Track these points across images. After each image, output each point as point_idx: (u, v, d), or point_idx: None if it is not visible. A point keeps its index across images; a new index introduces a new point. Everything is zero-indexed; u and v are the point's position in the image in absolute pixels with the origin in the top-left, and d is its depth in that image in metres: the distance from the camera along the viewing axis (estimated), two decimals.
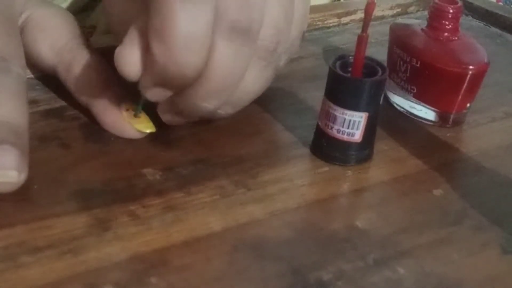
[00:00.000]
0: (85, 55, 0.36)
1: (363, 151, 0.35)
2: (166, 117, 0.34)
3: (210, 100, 0.32)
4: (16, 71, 0.33)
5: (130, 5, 0.32)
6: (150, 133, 0.34)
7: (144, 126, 0.34)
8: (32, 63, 0.37)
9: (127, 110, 0.34)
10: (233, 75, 0.31)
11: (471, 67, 0.38)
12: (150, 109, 0.35)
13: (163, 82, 0.30)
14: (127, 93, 0.35)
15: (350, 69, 0.34)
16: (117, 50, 0.30)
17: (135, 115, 0.34)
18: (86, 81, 0.35)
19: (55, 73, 0.36)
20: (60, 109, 0.37)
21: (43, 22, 0.37)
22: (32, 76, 0.39)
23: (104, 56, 0.37)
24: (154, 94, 0.31)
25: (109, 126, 0.35)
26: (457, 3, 0.39)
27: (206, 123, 0.37)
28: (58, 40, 0.36)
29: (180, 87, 0.31)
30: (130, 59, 0.30)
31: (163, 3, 0.28)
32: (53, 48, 0.36)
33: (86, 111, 0.36)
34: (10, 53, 0.34)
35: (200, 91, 0.31)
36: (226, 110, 0.34)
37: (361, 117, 0.33)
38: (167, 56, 0.29)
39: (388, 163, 0.36)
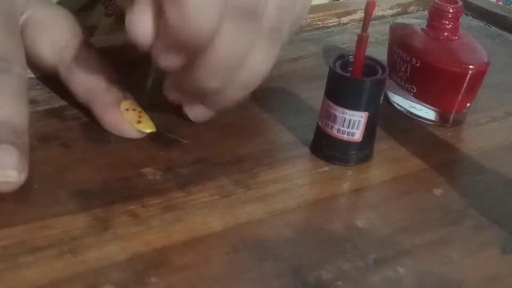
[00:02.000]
0: (86, 55, 0.36)
1: (363, 150, 0.35)
2: (172, 96, 0.34)
3: (214, 77, 0.32)
4: (17, 71, 0.33)
5: None
6: (151, 133, 0.34)
7: (144, 126, 0.34)
8: (33, 63, 0.37)
9: (127, 110, 0.34)
10: (236, 54, 0.31)
11: (471, 66, 0.38)
12: (151, 110, 0.35)
13: (176, 46, 0.30)
14: (128, 93, 0.35)
15: (350, 68, 0.34)
16: (128, 17, 0.30)
17: (147, 87, 0.34)
18: (87, 81, 0.35)
19: (56, 73, 0.36)
20: (60, 109, 0.37)
21: (43, 22, 0.37)
22: (32, 76, 0.39)
23: (104, 56, 0.37)
24: (166, 59, 0.31)
25: (109, 126, 0.35)
26: (457, 2, 0.39)
27: (205, 123, 0.37)
28: (59, 40, 0.36)
29: (193, 52, 0.30)
30: (142, 25, 0.30)
31: None
32: (54, 48, 0.36)
33: (86, 111, 0.36)
34: (11, 53, 0.33)
35: (205, 67, 0.31)
36: (238, 93, 0.34)
37: (361, 117, 0.33)
38: (180, 19, 0.28)
39: (388, 163, 0.36)
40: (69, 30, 0.37)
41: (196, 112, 0.36)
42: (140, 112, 0.35)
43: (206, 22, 0.29)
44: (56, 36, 0.36)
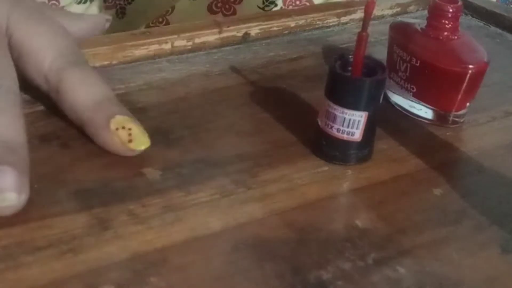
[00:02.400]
0: (71, 75, 0.34)
1: (363, 150, 0.35)
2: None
3: None
4: (6, 85, 0.32)
5: None
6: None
7: (136, 144, 0.33)
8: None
9: (117, 129, 0.33)
10: None
11: (470, 66, 0.38)
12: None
13: None
14: (119, 110, 0.34)
15: (350, 68, 0.34)
16: None
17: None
18: (74, 104, 0.34)
19: (50, 97, 0.35)
20: (60, 109, 0.37)
21: (25, 44, 0.35)
22: None
23: (107, 56, 0.37)
24: None
25: (103, 147, 0.33)
26: (457, 2, 0.39)
27: (205, 123, 0.37)
28: (41, 63, 0.35)
29: None
30: None
31: None
32: (39, 73, 0.35)
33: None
34: None
35: None
36: None
37: (361, 117, 0.33)
38: None
39: (388, 163, 0.36)
40: (51, 49, 0.35)
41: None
42: (130, 129, 0.33)
43: None
44: (38, 59, 0.35)
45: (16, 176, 0.28)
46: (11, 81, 0.33)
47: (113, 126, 0.33)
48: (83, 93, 0.34)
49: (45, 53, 0.35)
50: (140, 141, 0.33)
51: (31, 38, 0.35)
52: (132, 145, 0.33)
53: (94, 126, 0.33)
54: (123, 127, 0.33)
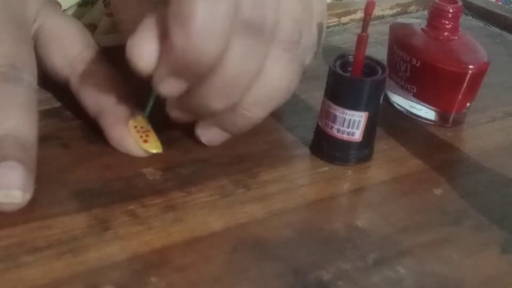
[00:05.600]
0: (97, 66, 0.35)
1: (363, 150, 0.35)
2: (174, 114, 0.33)
3: (219, 98, 0.30)
4: (28, 79, 0.32)
5: (143, 8, 0.32)
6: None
7: (150, 146, 0.33)
8: (45, 74, 0.36)
9: (135, 127, 0.33)
10: (246, 72, 0.30)
11: (471, 66, 0.38)
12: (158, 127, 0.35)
13: (179, 71, 0.29)
14: (138, 110, 0.34)
15: (350, 68, 0.34)
16: (130, 41, 0.29)
17: (145, 114, 0.33)
18: (97, 93, 0.34)
19: (68, 84, 0.36)
20: (60, 109, 0.37)
21: (55, 32, 0.36)
22: None
23: (108, 55, 0.37)
24: (167, 86, 0.29)
25: (115, 142, 0.34)
26: (457, 2, 0.39)
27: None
28: (71, 50, 0.36)
29: (196, 77, 0.29)
30: (144, 49, 0.29)
31: None
32: (66, 58, 0.35)
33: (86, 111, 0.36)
34: (22, 60, 0.33)
35: (210, 88, 0.30)
36: (255, 112, 0.32)
37: (361, 117, 0.33)
38: (185, 41, 0.27)
39: (388, 163, 0.36)
40: (80, 40, 0.36)
41: (209, 135, 0.34)
42: (148, 131, 0.34)
43: (213, 43, 0.28)
44: (67, 47, 0.36)
45: (24, 174, 0.28)
46: (32, 77, 0.33)
47: (132, 123, 0.33)
48: (108, 86, 0.35)
49: (75, 40, 0.36)
50: (155, 144, 0.34)
51: (62, 26, 0.36)
52: (146, 146, 0.33)
53: (113, 119, 0.34)
54: (142, 127, 0.34)
